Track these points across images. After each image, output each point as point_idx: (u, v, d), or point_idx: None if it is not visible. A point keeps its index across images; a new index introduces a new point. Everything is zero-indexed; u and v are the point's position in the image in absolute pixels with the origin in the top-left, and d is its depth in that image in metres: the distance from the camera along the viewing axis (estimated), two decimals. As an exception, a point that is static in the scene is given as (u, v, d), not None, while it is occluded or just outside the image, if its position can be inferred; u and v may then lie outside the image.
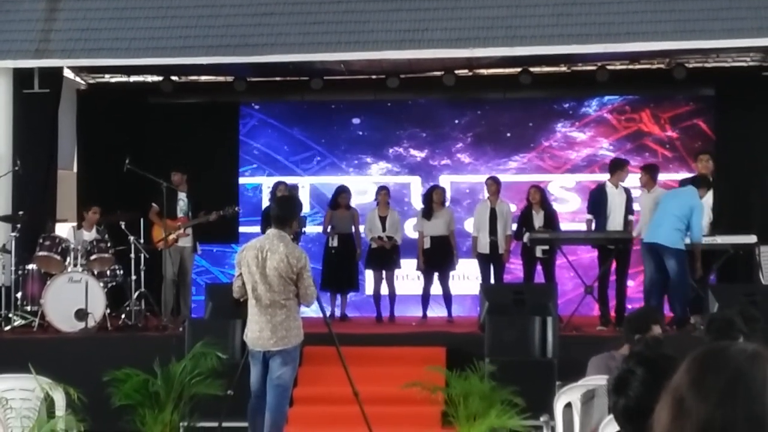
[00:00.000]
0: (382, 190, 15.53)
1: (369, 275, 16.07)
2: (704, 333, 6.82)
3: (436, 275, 15.08)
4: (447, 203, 15.75)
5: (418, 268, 15.29)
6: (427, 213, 15.16)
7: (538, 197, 14.88)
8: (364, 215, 15.66)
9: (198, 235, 14.76)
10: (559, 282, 14.75)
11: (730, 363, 2.35)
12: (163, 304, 14.09)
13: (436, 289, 15.09)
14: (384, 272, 15.29)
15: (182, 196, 14.52)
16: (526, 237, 14.28)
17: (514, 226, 15.04)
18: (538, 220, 14.67)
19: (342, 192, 15.54)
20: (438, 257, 15.01)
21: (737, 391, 2.29)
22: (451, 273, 15.23)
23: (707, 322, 6.96)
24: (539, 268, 14.72)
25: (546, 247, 14.39)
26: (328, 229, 15.33)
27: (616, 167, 14.16)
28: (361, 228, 15.65)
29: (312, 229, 15.76)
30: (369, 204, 16.30)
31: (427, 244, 15.04)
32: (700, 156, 13.54)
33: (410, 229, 16.33)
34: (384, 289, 15.30)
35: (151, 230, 14.33)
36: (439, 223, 15.04)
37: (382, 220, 15.25)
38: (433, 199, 15.18)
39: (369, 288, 16.31)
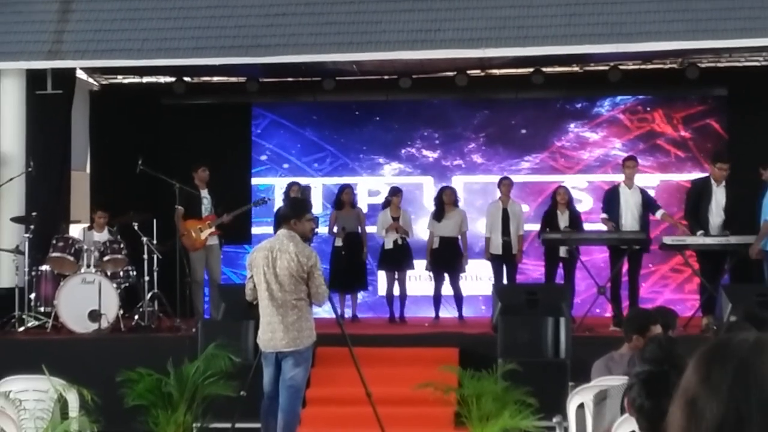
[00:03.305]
0: (399, 193, 15.45)
1: (381, 276, 16.08)
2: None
3: (446, 276, 15.07)
4: (460, 204, 15.71)
5: (426, 268, 15.30)
6: (438, 214, 15.15)
7: (567, 198, 14.83)
8: (375, 216, 15.68)
9: (224, 234, 14.81)
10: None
11: (734, 354, 2.34)
12: (188, 305, 14.12)
13: (447, 289, 15.08)
14: (396, 273, 15.28)
15: (205, 194, 14.53)
16: (542, 237, 14.26)
17: (530, 226, 15.02)
18: (563, 220, 14.60)
19: (345, 189, 15.53)
20: (446, 258, 15.00)
21: (747, 381, 2.29)
22: (462, 274, 15.21)
23: (726, 329, 6.94)
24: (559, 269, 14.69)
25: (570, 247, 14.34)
26: (335, 230, 15.32)
27: (622, 164, 14.23)
28: (371, 228, 15.65)
29: (324, 230, 15.76)
30: (381, 204, 16.31)
31: (436, 245, 15.04)
32: (719, 164, 13.35)
33: (421, 229, 16.34)
34: (396, 290, 15.28)
35: (181, 235, 14.25)
36: (449, 224, 15.03)
37: (395, 220, 15.24)
38: (443, 200, 15.17)
39: (381, 288, 16.32)
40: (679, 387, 2.39)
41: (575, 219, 14.76)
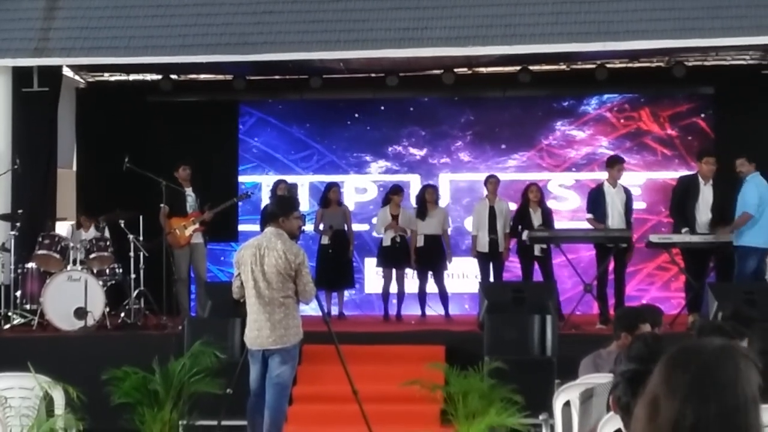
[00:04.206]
0: (400, 192, 15.42)
1: (369, 273, 16.06)
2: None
3: (430, 274, 15.06)
4: (441, 202, 15.73)
5: (411, 267, 15.27)
6: (421, 212, 15.14)
7: (540, 196, 14.88)
8: (363, 214, 15.67)
9: (207, 231, 14.74)
10: (559, 280, 14.76)
11: (697, 358, 2.36)
12: (174, 303, 14.07)
13: (431, 287, 15.08)
14: (395, 270, 15.23)
15: (189, 192, 14.49)
16: (525, 235, 14.26)
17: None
18: (536, 218, 14.66)
19: (332, 188, 15.53)
20: (430, 256, 15.00)
21: (706, 385, 2.30)
22: (445, 272, 15.20)
23: (697, 330, 6.96)
24: (536, 266, 14.72)
25: (545, 246, 14.41)
26: (321, 227, 15.31)
27: (608, 164, 14.21)
28: (357, 226, 15.62)
29: (310, 227, 15.75)
30: (368, 202, 16.33)
31: (420, 243, 15.03)
32: (706, 158, 13.43)
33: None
34: (392, 288, 15.24)
35: (167, 233, 14.19)
36: (432, 222, 15.03)
37: (395, 218, 15.20)
38: (426, 199, 15.17)
39: (369, 286, 16.31)
40: (647, 387, 2.40)
41: (547, 217, 14.82)
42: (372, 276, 16.34)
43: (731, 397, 2.30)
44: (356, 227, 15.87)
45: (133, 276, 13.73)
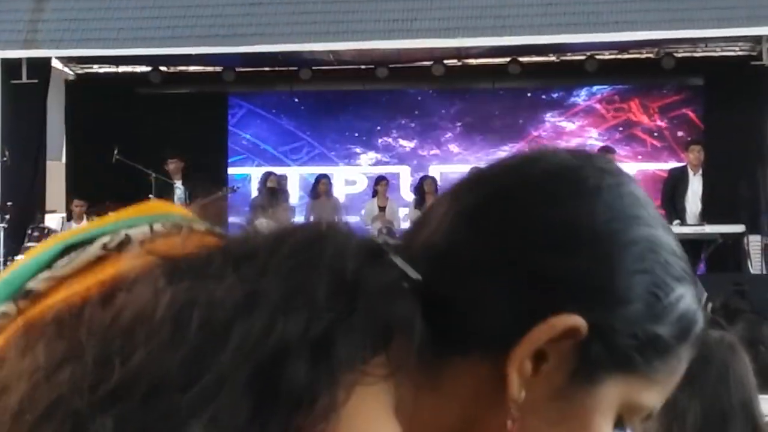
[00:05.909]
0: (382, 181, 15.47)
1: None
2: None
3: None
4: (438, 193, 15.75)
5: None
6: (420, 204, 15.14)
7: None
8: (353, 206, 15.66)
9: None
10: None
11: (715, 356, 2.40)
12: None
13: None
14: None
15: (178, 185, 14.46)
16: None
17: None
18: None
19: (322, 180, 15.53)
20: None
21: (728, 381, 2.35)
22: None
23: None
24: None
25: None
26: (311, 220, 15.27)
27: None
28: (348, 219, 15.61)
29: (300, 219, 15.74)
30: (358, 194, 16.32)
31: (419, 235, 15.00)
32: (691, 146, 13.55)
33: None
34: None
35: None
36: (433, 214, 15.01)
37: (381, 209, 15.22)
38: (425, 190, 15.17)
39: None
40: None
41: None
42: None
43: (746, 388, 2.37)
44: (346, 219, 15.86)
45: (122, 268, 13.69)
